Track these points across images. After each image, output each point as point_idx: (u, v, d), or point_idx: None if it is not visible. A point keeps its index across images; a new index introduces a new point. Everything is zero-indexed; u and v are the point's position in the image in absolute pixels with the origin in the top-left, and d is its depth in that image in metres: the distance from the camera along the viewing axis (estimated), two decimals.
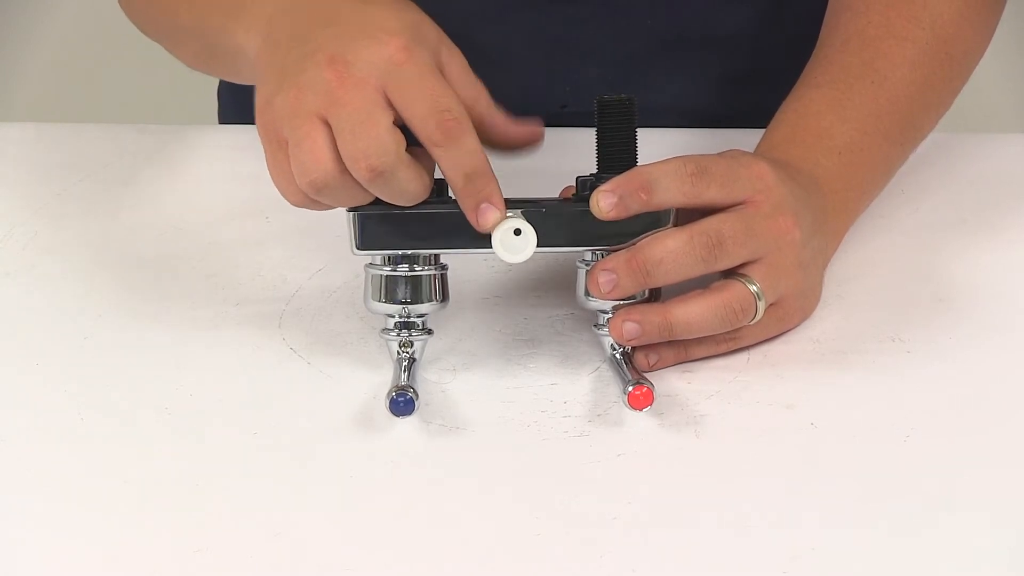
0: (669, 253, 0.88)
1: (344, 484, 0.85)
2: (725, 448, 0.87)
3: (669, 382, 0.91)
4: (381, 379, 0.92)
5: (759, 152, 0.98)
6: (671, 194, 0.88)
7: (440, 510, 0.84)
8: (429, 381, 0.92)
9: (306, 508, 0.84)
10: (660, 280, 0.89)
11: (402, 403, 0.87)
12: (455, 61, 0.90)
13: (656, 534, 0.82)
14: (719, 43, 1.20)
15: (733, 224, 0.89)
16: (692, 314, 0.89)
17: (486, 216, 0.87)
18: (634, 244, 0.89)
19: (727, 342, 0.92)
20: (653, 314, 0.89)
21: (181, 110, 1.11)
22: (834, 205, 0.97)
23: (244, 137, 1.06)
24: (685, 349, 0.92)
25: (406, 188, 0.86)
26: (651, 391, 0.87)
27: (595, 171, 0.90)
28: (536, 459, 0.87)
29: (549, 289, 1.00)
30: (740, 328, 0.91)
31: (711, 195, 0.89)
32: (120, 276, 1.01)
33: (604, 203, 0.87)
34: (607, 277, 0.88)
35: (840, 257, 1.02)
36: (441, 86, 0.86)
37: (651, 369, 0.92)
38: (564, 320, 0.96)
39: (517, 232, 0.88)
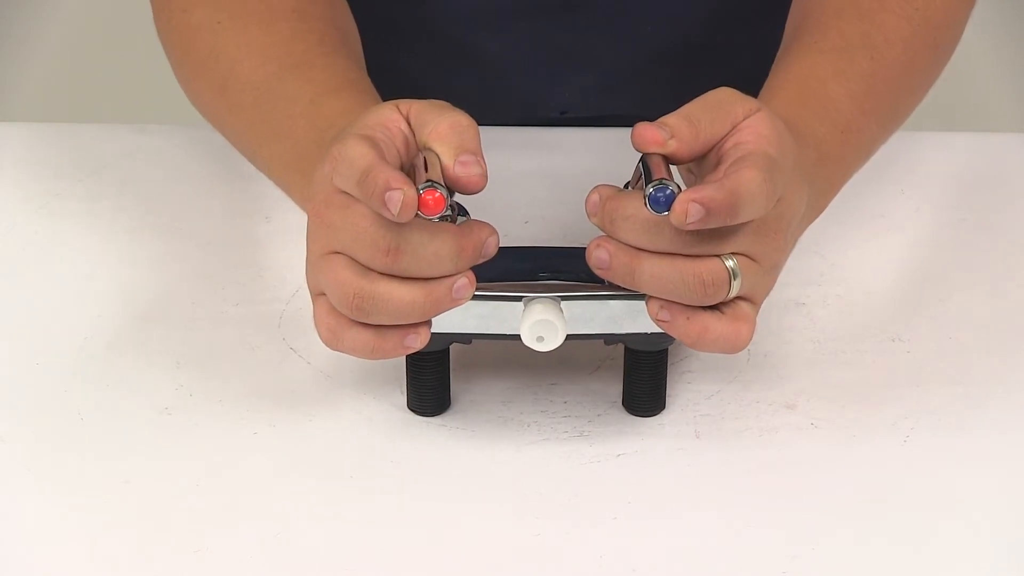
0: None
1: (344, 484, 0.85)
2: (725, 448, 0.87)
3: (669, 382, 0.91)
4: (380, 379, 0.92)
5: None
6: (751, 216, 0.82)
7: (440, 510, 0.84)
8: None
9: (306, 508, 0.84)
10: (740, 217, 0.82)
11: None
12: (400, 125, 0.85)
13: (656, 534, 0.82)
14: (719, 52, 1.20)
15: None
16: (658, 269, 0.82)
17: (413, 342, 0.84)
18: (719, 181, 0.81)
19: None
20: (624, 254, 0.83)
21: (181, 110, 1.11)
22: (828, 181, 0.94)
23: None
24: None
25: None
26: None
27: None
28: (536, 459, 0.87)
29: None
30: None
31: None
32: (120, 276, 1.01)
33: (693, 214, 0.80)
34: (696, 209, 0.80)
35: (840, 257, 1.02)
36: (341, 269, 0.82)
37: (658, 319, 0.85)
38: None
39: (540, 339, 0.85)
